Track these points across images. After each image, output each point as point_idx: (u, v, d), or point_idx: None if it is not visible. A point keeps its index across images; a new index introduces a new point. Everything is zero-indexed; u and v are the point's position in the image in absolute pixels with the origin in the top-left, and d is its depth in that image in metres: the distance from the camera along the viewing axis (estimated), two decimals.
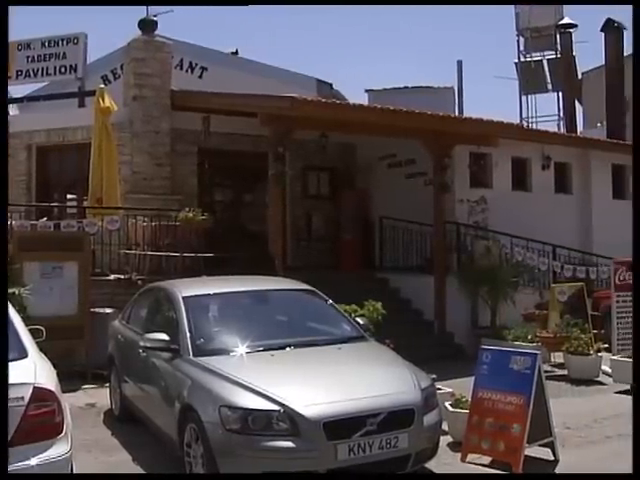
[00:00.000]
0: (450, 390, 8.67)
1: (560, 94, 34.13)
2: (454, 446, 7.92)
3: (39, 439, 5.20)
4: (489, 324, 14.54)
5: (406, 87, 25.48)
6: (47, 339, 6.70)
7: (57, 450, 5.30)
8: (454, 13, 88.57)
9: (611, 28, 26.73)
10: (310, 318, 8.53)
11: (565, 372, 12.17)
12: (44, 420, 5.26)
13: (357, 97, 25.37)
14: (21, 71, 17.17)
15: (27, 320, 6.56)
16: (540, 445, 7.52)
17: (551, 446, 7.58)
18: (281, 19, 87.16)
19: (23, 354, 5.61)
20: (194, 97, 15.40)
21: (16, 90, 18.51)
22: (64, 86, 17.59)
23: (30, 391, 5.20)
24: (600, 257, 17.09)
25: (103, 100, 14.10)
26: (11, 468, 4.94)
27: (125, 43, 15.98)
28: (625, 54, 27.32)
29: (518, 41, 36.05)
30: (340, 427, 6.10)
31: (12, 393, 5.05)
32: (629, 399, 10.29)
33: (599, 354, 12.10)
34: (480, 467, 7.37)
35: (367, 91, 26.39)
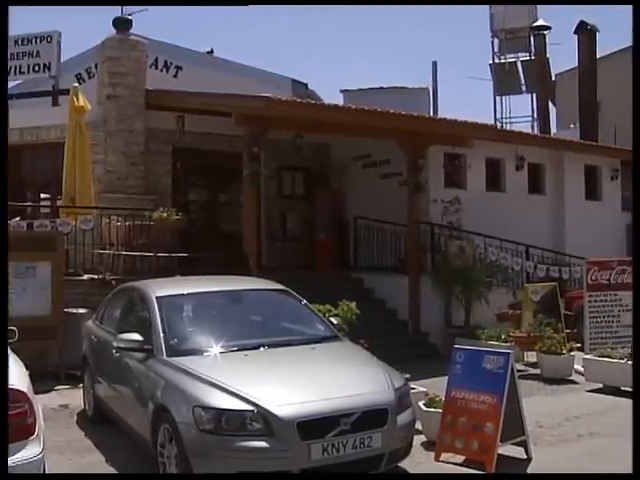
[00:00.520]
0: (424, 390, 8.71)
1: (534, 95, 34.41)
2: (428, 445, 7.95)
3: (11, 440, 5.16)
4: (463, 324, 14.61)
5: (381, 87, 25.53)
6: (20, 339, 6.65)
7: (29, 452, 5.28)
8: (429, 14, 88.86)
9: (584, 30, 26.98)
10: (284, 318, 8.54)
11: (538, 371, 12.26)
12: (16, 421, 5.22)
13: (332, 97, 25.40)
14: None
15: None
16: (513, 444, 7.57)
17: (524, 445, 7.63)
18: (257, 19, 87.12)
19: None
20: (169, 96, 15.34)
21: None
22: (37, 85, 17.45)
23: None
24: (573, 257, 17.25)
25: (77, 99, 14.02)
26: None
27: (99, 42, 15.89)
28: (598, 56, 27.61)
29: (492, 42, 36.27)
30: (314, 427, 6.11)
31: None
32: (601, 398, 10.43)
33: (571, 353, 12.20)
34: (454, 466, 7.41)
35: (342, 91, 26.42)
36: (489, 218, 16.20)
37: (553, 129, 31.95)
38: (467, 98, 68.02)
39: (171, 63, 17.32)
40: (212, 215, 17.39)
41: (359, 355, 7.79)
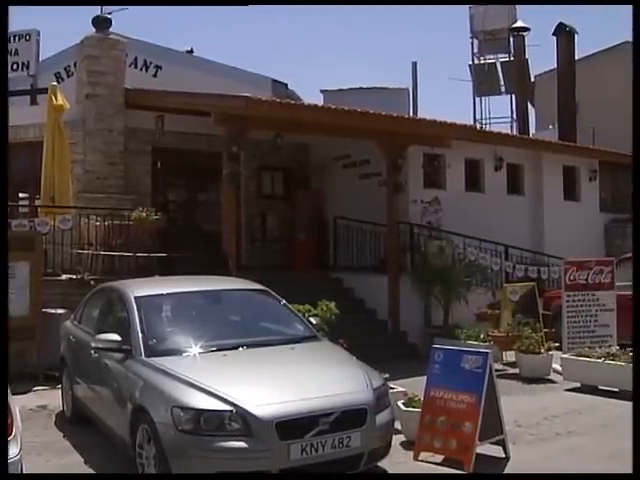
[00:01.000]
0: (403, 389, 8.74)
1: (513, 96, 34.56)
2: (407, 445, 7.97)
3: None
4: (442, 323, 14.66)
5: (361, 88, 25.52)
6: None
7: None
8: (409, 14, 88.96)
9: (563, 32, 27.15)
10: (263, 318, 8.53)
11: (517, 370, 12.31)
12: None
13: (312, 97, 25.36)
14: None
15: None
16: (491, 443, 7.60)
17: (502, 444, 7.67)
18: (237, 18, 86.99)
19: None
20: (148, 95, 15.28)
21: None
22: (16, 83, 17.29)
23: None
24: (551, 257, 17.35)
25: (56, 98, 13.94)
26: None
27: (79, 40, 15.81)
28: (577, 58, 27.78)
29: (472, 43, 36.39)
30: (293, 427, 6.12)
31: None
32: (579, 397, 10.50)
33: (550, 353, 12.27)
34: (433, 465, 7.43)
35: (322, 91, 26.41)
36: (468, 218, 16.27)
37: (532, 130, 32.12)
38: (447, 99, 68.27)
39: (151, 62, 17.22)
40: (191, 215, 17.36)
41: (338, 355, 7.80)
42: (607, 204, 21.78)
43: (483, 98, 36.86)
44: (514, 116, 34.20)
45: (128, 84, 15.65)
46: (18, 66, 16.73)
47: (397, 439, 7.71)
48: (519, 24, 32.98)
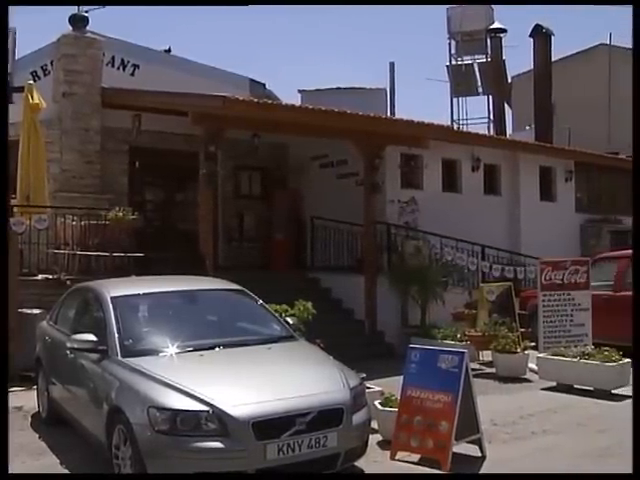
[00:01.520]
0: (380, 389, 8.75)
1: (490, 97, 34.77)
2: (384, 444, 7.98)
3: None
4: (419, 323, 14.69)
5: (338, 88, 25.58)
6: None
7: None
8: (387, 15, 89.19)
9: (539, 34, 27.37)
10: (240, 318, 8.52)
11: (493, 370, 12.37)
12: None
13: (290, 97, 25.37)
14: None
15: None
16: (468, 442, 7.62)
17: (478, 443, 7.69)
18: (216, 18, 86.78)
19: None
20: (125, 95, 15.21)
21: None
22: None
23: None
24: (528, 257, 17.44)
25: (32, 97, 13.83)
26: None
27: (55, 38, 15.71)
28: (553, 59, 28.00)
29: (450, 44, 36.58)
30: (269, 427, 6.11)
31: None
32: (554, 396, 10.56)
33: (526, 352, 12.33)
34: (409, 465, 7.44)
35: (300, 91, 26.45)
36: (445, 218, 16.33)
37: (509, 130, 32.36)
38: (424, 99, 68.58)
39: (128, 61, 17.15)
40: (169, 215, 17.29)
41: (315, 355, 7.81)
42: (583, 204, 21.94)
43: (460, 99, 37.09)
44: (491, 117, 34.45)
45: (105, 83, 15.58)
46: None
47: (374, 438, 7.73)
48: (496, 25, 33.23)
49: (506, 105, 33.64)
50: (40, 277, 12.95)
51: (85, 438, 7.68)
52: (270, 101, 16.09)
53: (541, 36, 27.36)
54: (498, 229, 18.60)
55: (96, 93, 15.43)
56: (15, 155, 13.86)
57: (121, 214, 13.13)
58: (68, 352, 7.82)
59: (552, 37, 27.67)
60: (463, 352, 7.67)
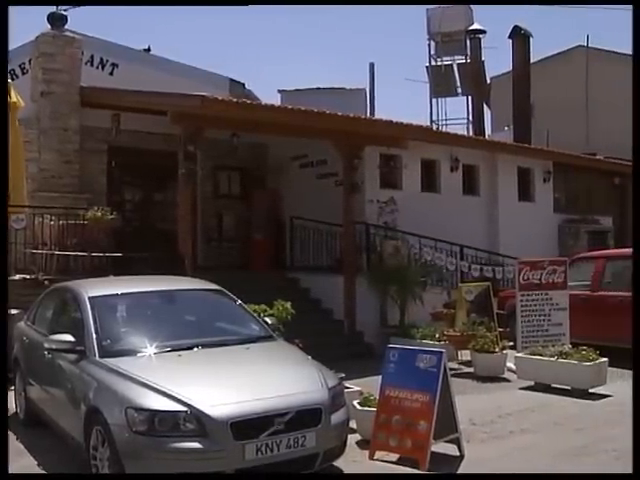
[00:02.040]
0: (358, 389, 8.76)
1: (469, 98, 34.89)
2: (363, 444, 7.99)
3: None
4: (398, 323, 14.72)
5: (318, 88, 25.59)
6: None
7: None
8: (367, 15, 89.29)
9: (518, 35, 27.54)
10: (219, 318, 8.51)
11: (472, 369, 12.41)
12: None
13: (270, 97, 25.37)
14: None
15: None
16: (446, 441, 7.65)
17: (457, 442, 7.72)
18: (196, 18, 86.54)
19: None
20: (104, 94, 15.14)
21: None
22: None
23: None
24: (506, 257, 17.52)
25: (10, 95, 13.74)
26: None
27: (34, 37, 15.61)
28: (531, 60, 28.17)
29: (429, 45, 36.64)
30: (247, 427, 6.11)
31: None
32: (532, 395, 10.62)
33: (504, 352, 12.37)
34: (388, 464, 7.46)
35: (280, 91, 26.44)
36: (424, 219, 16.37)
37: (488, 131, 32.48)
38: (404, 100, 68.67)
39: (107, 60, 17.08)
40: (147, 215, 17.23)
41: (293, 355, 7.81)
42: (561, 205, 22.07)
43: (440, 99, 37.14)
44: (470, 117, 34.52)
45: (84, 82, 15.50)
46: None
47: (353, 438, 7.75)
48: (476, 27, 33.35)
49: (485, 106, 33.77)
50: (18, 277, 12.85)
51: (63, 439, 7.65)
52: (249, 101, 16.08)
53: (520, 37, 27.52)
54: (477, 229, 18.68)
55: (75, 92, 15.34)
56: None
57: (100, 214, 13.08)
58: (46, 353, 7.79)
59: (531, 38, 27.86)
60: (441, 352, 7.70)
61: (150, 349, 7.20)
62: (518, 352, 11.93)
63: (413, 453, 7.39)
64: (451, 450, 7.68)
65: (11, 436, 8.63)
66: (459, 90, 36.99)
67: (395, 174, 17.61)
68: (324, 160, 17.01)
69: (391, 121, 15.14)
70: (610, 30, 63.26)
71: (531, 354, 11.29)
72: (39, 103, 15.15)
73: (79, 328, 7.52)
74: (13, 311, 11.56)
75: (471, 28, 33.26)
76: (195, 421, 6.07)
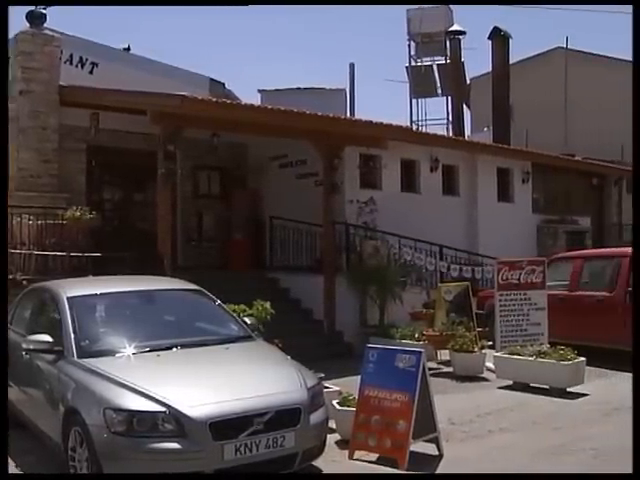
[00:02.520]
0: (338, 388, 8.79)
1: (449, 98, 35.05)
2: (342, 444, 7.99)
3: None
4: (377, 323, 14.74)
5: (298, 88, 25.63)
6: None
7: None
8: (347, 16, 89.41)
9: (498, 36, 27.69)
10: (198, 318, 8.49)
11: (451, 369, 12.44)
12: None
13: (250, 97, 25.37)
14: None
15: None
16: (425, 441, 7.67)
17: (436, 441, 7.74)
18: (176, 17, 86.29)
19: None
20: (83, 93, 15.06)
21: None
22: None
23: None
24: (485, 257, 17.60)
25: None
26: None
27: (12, 35, 15.51)
28: (511, 61, 28.33)
29: (409, 46, 36.78)
30: (226, 427, 6.11)
31: None
32: (511, 394, 10.67)
33: (483, 351, 12.42)
34: (367, 464, 7.48)
35: (260, 91, 26.45)
36: (404, 219, 16.41)
37: (467, 131, 32.63)
38: (384, 100, 68.85)
39: (86, 59, 16.99)
40: (127, 214, 17.15)
41: (272, 355, 7.82)
42: (539, 205, 22.20)
43: (419, 100, 37.34)
44: (450, 118, 34.69)
45: (63, 81, 15.39)
46: None
47: (332, 438, 7.75)
48: (455, 28, 33.49)
49: (465, 106, 33.92)
50: None
51: (41, 440, 7.61)
52: (229, 101, 16.06)
53: (499, 39, 27.66)
54: (456, 229, 18.74)
55: (54, 91, 15.23)
56: None
57: (78, 213, 13.00)
58: (24, 353, 7.74)
59: (510, 40, 28.00)
60: (420, 351, 7.72)
61: (129, 349, 7.18)
62: (497, 352, 11.98)
63: (392, 453, 7.41)
64: (430, 449, 7.71)
65: None
66: (439, 91, 37.18)
67: (375, 174, 17.64)
68: (304, 160, 17.01)
69: (371, 121, 15.16)
70: (589, 32, 63.72)
71: (510, 354, 11.34)
72: (18, 102, 15.03)
73: (57, 328, 7.49)
74: None
75: (451, 29, 33.41)
76: (174, 421, 6.06)
